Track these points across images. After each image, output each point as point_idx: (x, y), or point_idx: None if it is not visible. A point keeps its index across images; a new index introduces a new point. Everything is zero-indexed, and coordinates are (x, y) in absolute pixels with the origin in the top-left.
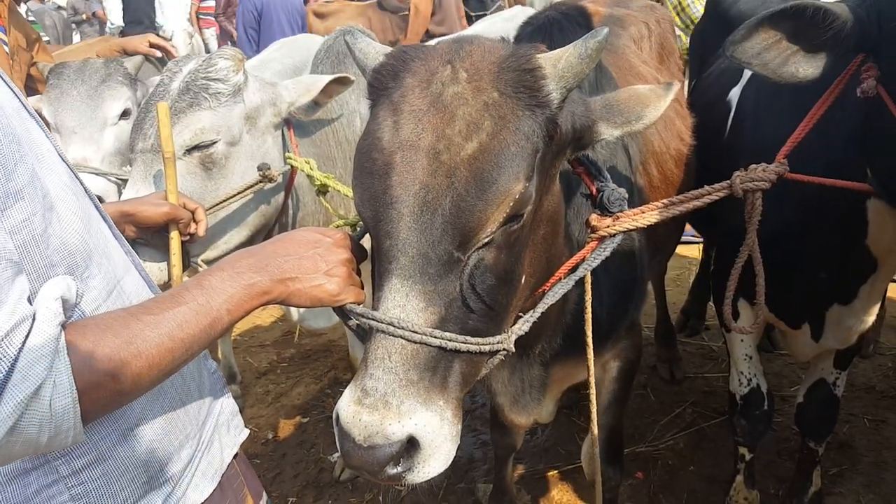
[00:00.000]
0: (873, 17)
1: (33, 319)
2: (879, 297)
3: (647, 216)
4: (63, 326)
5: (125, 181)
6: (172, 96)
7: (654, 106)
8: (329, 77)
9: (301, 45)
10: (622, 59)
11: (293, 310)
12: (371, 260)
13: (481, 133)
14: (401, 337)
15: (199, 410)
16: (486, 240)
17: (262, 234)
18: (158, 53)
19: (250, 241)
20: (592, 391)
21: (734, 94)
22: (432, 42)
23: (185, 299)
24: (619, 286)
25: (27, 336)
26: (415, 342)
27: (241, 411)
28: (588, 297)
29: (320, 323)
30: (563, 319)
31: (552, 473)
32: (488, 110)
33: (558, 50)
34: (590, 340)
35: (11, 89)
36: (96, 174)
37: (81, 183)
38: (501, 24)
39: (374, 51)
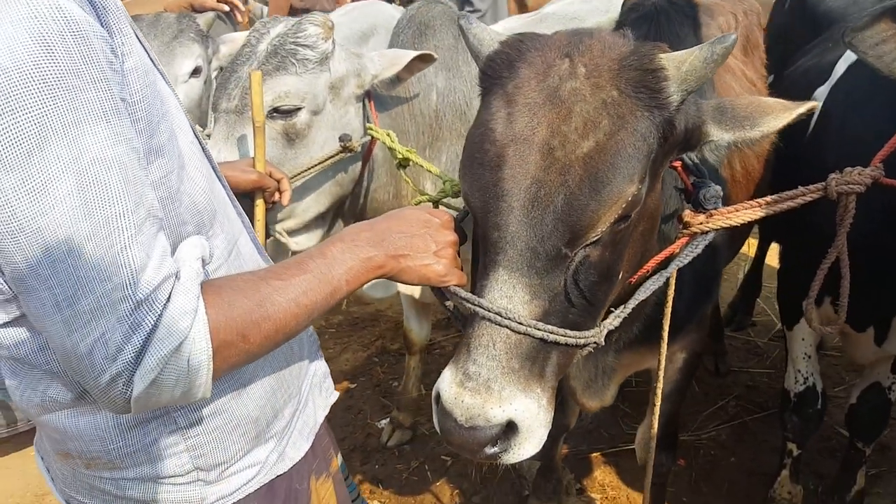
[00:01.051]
0: None
1: (177, 277)
2: None
3: (741, 215)
4: (201, 285)
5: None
6: (259, 58)
7: (777, 116)
8: (414, 53)
9: (370, 11)
10: None
11: None
12: (473, 245)
13: (598, 132)
14: (507, 327)
15: (301, 371)
16: (595, 238)
17: (338, 204)
18: (226, 8)
19: (327, 211)
20: (660, 384)
21: (820, 93)
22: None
23: (309, 267)
24: (700, 280)
25: (171, 293)
26: (519, 333)
27: None
28: (671, 292)
29: (378, 293)
30: (644, 310)
31: (595, 455)
32: (606, 109)
33: (683, 52)
34: (665, 334)
35: (143, 46)
36: None
37: (201, 142)
38: (579, 5)
39: (489, 37)
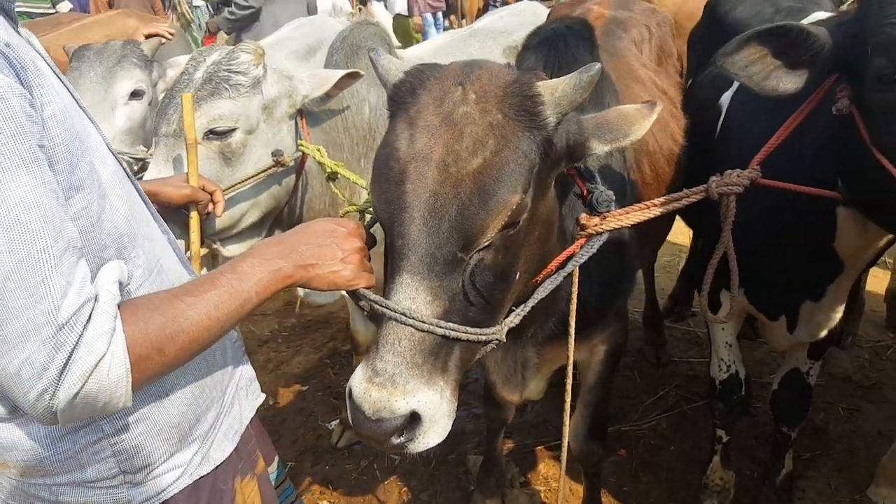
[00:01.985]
0: (848, 41)
1: (96, 300)
2: (845, 296)
3: (631, 216)
4: (118, 306)
5: (136, 160)
6: (196, 85)
7: (640, 125)
8: (342, 72)
9: (317, 26)
10: (623, 63)
11: None
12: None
13: (486, 150)
14: (411, 326)
15: (223, 376)
16: (486, 243)
17: (274, 214)
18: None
19: (263, 221)
20: (569, 379)
21: (725, 98)
22: None
23: (220, 283)
24: (609, 276)
25: (91, 315)
26: (422, 331)
27: None
28: (575, 290)
29: (323, 298)
30: (556, 306)
31: (540, 448)
32: (493, 130)
33: (557, 79)
34: (572, 330)
35: (66, 86)
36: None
37: (125, 168)
38: (508, 19)
39: (395, 67)
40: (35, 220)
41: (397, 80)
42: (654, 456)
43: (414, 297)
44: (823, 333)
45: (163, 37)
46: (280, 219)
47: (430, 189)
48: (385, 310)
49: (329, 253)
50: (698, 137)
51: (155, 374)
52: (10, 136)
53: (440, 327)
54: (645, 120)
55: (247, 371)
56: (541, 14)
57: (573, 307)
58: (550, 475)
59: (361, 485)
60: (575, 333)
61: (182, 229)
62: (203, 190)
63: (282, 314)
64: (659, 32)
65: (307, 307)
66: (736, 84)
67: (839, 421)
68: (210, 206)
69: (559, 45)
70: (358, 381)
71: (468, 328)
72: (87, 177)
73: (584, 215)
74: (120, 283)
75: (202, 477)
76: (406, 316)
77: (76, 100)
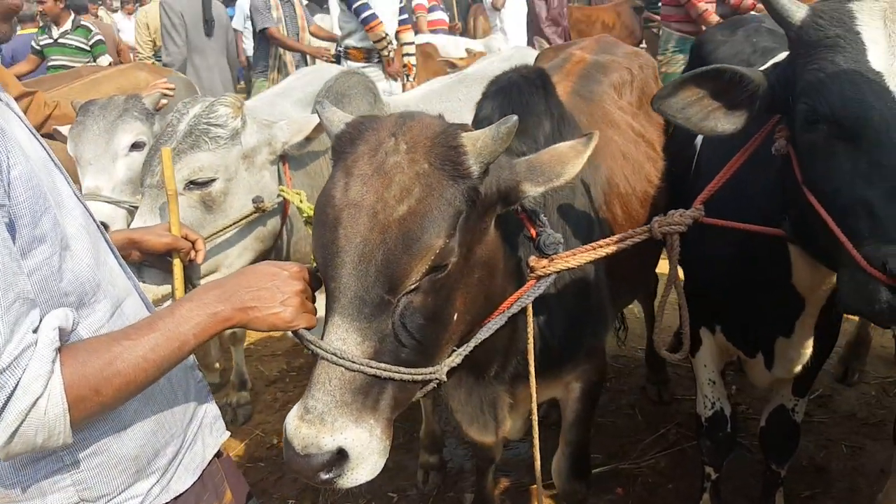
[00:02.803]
0: (782, 83)
1: (36, 345)
2: (811, 331)
3: (578, 258)
4: (59, 350)
5: (136, 208)
6: (178, 137)
7: (573, 164)
8: (318, 119)
9: (322, 75)
10: (597, 107)
11: None
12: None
13: (411, 198)
14: (342, 366)
15: (185, 413)
16: (413, 286)
17: (263, 257)
18: (171, 92)
19: (251, 263)
20: (535, 416)
21: (699, 140)
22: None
23: (158, 326)
24: (571, 315)
25: (30, 359)
26: (353, 370)
27: (250, 417)
28: (529, 329)
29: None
30: (517, 346)
31: (534, 487)
32: (419, 179)
33: (479, 131)
34: (532, 368)
35: (39, 141)
36: (107, 202)
37: (95, 221)
38: (499, 65)
39: (338, 119)
40: None
41: (339, 132)
42: (652, 494)
43: (344, 338)
44: (798, 369)
45: (163, 93)
46: (268, 259)
47: (360, 234)
48: (318, 350)
49: (269, 295)
50: (677, 178)
51: (94, 413)
52: None
53: (372, 367)
54: (578, 158)
55: (211, 409)
56: (530, 59)
57: (530, 346)
58: None
59: None
60: (544, 371)
61: (166, 275)
62: (186, 238)
63: (290, 354)
64: (641, 75)
65: None
66: None
67: (841, 459)
68: (192, 254)
69: (513, 93)
70: (291, 419)
71: (401, 368)
72: (49, 231)
73: (532, 258)
74: (62, 329)
75: None
76: (336, 356)
77: (50, 157)
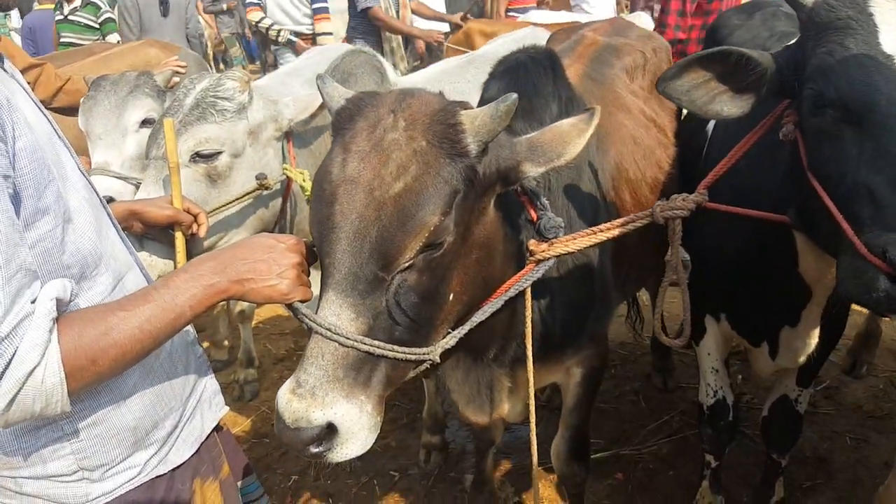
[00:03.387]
0: (791, 67)
1: (34, 315)
2: (818, 321)
3: (578, 242)
4: (56, 320)
5: None
6: (184, 111)
7: (575, 143)
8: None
9: (328, 56)
10: (608, 90)
11: None
12: None
13: (407, 175)
14: (336, 341)
15: (184, 387)
16: (407, 264)
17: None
18: (182, 70)
19: None
20: (532, 400)
21: (710, 126)
22: None
23: (153, 298)
24: (574, 301)
25: (28, 329)
26: (346, 346)
27: (257, 394)
28: (528, 313)
29: None
30: (516, 329)
31: (538, 469)
32: (416, 156)
33: (479, 109)
34: (529, 353)
35: (44, 114)
36: (117, 177)
37: (98, 196)
38: (510, 45)
39: (338, 94)
40: None
41: (339, 107)
42: (653, 480)
43: (338, 314)
44: (802, 360)
45: (175, 71)
46: None
47: (356, 211)
48: (312, 324)
49: (265, 268)
50: (688, 164)
51: (91, 382)
52: None
53: (365, 344)
54: (580, 137)
55: (211, 384)
56: (542, 40)
57: (528, 330)
58: (546, 496)
59: (361, 500)
60: (545, 356)
61: (169, 248)
62: (188, 212)
63: (298, 333)
64: (654, 59)
65: None
66: None
67: (845, 451)
68: (195, 227)
69: (520, 74)
70: (282, 392)
71: (395, 347)
72: (53, 203)
73: (532, 241)
74: (59, 300)
75: (159, 476)
76: (331, 332)
77: (55, 131)
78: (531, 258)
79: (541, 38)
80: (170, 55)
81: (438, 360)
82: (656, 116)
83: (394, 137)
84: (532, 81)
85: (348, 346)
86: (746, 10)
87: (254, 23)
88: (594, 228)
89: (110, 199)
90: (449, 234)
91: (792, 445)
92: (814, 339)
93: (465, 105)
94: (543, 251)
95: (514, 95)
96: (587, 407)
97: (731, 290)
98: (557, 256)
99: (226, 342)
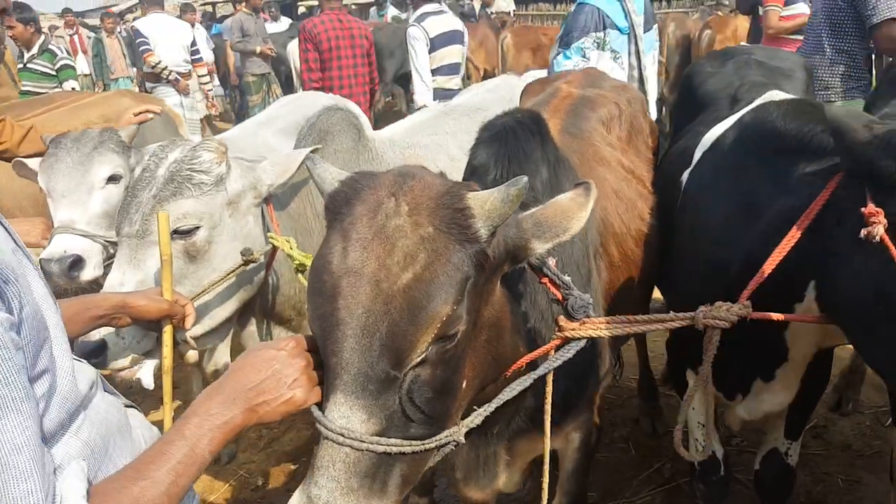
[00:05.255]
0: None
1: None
2: (795, 383)
3: (611, 328)
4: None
5: (111, 242)
6: (158, 184)
7: (578, 217)
8: (302, 155)
9: (302, 104)
10: (587, 145)
11: None
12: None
13: (416, 264)
14: (348, 446)
15: None
16: (419, 359)
17: (247, 306)
18: (150, 117)
19: (235, 314)
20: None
21: (685, 176)
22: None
23: (171, 454)
24: (577, 367)
25: None
26: (360, 450)
27: (234, 456)
28: (549, 390)
29: None
30: (522, 402)
31: None
32: (424, 244)
33: (486, 192)
34: (548, 429)
35: (5, 228)
36: (83, 235)
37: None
38: (484, 95)
39: (331, 176)
40: (25, 462)
41: (333, 190)
42: None
43: (349, 416)
44: (761, 416)
45: (151, 111)
46: (252, 307)
47: (362, 305)
48: (322, 428)
49: (273, 384)
50: (665, 216)
51: None
52: (3, 382)
53: (381, 445)
54: (582, 211)
55: None
56: (516, 89)
57: (547, 406)
58: None
59: None
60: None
61: (144, 332)
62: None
63: None
64: (629, 109)
65: None
66: (694, 162)
67: (838, 493)
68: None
69: (509, 139)
70: None
71: (413, 442)
72: (48, 361)
73: (562, 318)
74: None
75: None
76: (343, 436)
77: (13, 238)
78: (559, 333)
79: (514, 86)
80: (142, 105)
81: (463, 441)
82: (634, 168)
83: (397, 223)
84: (521, 147)
85: (362, 450)
86: (720, 58)
87: (152, 65)
88: (630, 318)
89: (79, 259)
90: (462, 323)
91: (787, 497)
92: (783, 398)
93: (469, 187)
94: (574, 329)
95: (525, 179)
96: (586, 471)
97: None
98: (587, 338)
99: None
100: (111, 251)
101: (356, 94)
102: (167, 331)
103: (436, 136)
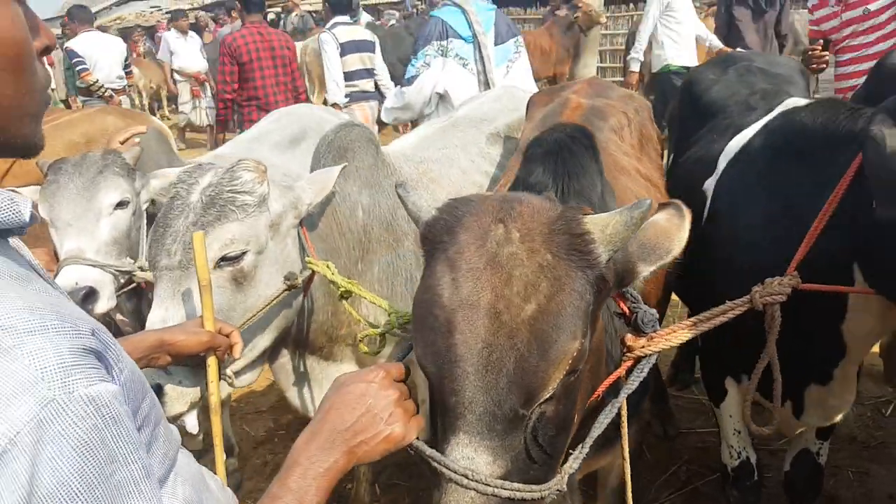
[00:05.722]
0: None
1: None
2: (854, 378)
3: (679, 335)
4: None
5: (123, 272)
6: (195, 210)
7: (678, 238)
8: (336, 172)
9: (297, 116)
10: (606, 155)
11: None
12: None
13: (539, 295)
14: (474, 489)
15: None
16: (548, 395)
17: (286, 334)
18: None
19: (274, 344)
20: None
21: (709, 184)
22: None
23: None
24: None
25: None
26: (487, 494)
27: (240, 485)
28: (625, 416)
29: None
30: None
31: None
32: (544, 272)
33: (605, 216)
34: (626, 455)
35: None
36: (93, 265)
37: None
38: (490, 105)
39: (427, 204)
40: None
41: (430, 218)
42: None
43: (473, 458)
44: (838, 417)
45: (137, 133)
46: (287, 337)
47: (483, 339)
48: (445, 469)
49: (369, 421)
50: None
51: None
52: (123, 463)
53: (506, 489)
54: (681, 232)
55: None
56: (520, 99)
57: (624, 431)
58: None
59: None
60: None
61: (196, 372)
62: (220, 332)
63: (277, 410)
64: (638, 118)
65: None
66: (718, 171)
67: (849, 486)
68: (229, 350)
69: (565, 155)
70: None
71: (532, 486)
72: (144, 416)
73: (629, 336)
74: None
75: None
76: (468, 478)
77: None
78: (629, 354)
79: (518, 96)
80: (129, 123)
81: (566, 489)
82: (650, 175)
83: (511, 251)
84: (578, 162)
85: (488, 494)
86: (719, 65)
87: (90, 83)
88: (693, 320)
89: (92, 291)
90: (586, 353)
91: (817, 497)
92: (851, 394)
93: (582, 210)
94: (643, 347)
95: (648, 201)
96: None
97: (756, 351)
98: (658, 352)
99: (200, 437)
100: (121, 281)
101: (279, 101)
102: (212, 364)
103: (445, 149)
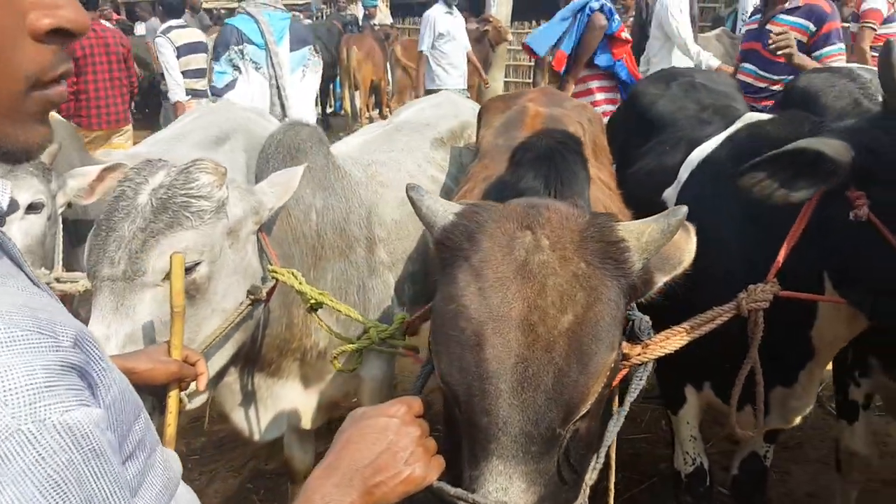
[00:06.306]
0: (870, 154)
1: None
2: (817, 381)
3: (673, 342)
4: None
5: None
6: (145, 214)
7: (688, 250)
8: (299, 174)
9: (222, 116)
10: None
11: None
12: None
13: (576, 305)
14: None
15: None
16: (586, 410)
17: (243, 349)
18: None
19: (233, 360)
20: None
21: (668, 194)
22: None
23: None
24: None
25: None
26: None
27: None
28: (619, 422)
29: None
30: None
31: None
32: (579, 281)
33: (639, 223)
34: (612, 460)
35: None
36: None
37: None
38: (430, 111)
39: (443, 208)
40: None
41: (448, 223)
42: None
43: (507, 488)
44: (798, 419)
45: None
46: (241, 352)
47: (518, 354)
48: None
49: (389, 459)
50: None
51: None
52: (103, 499)
53: None
54: (690, 244)
55: None
56: (460, 105)
57: (611, 443)
58: None
59: None
60: None
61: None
62: (186, 360)
63: (188, 433)
64: (591, 128)
65: (218, 422)
66: (681, 180)
67: (773, 486)
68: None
69: (556, 160)
70: None
71: None
72: (134, 444)
73: (626, 344)
74: None
75: None
76: None
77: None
78: (626, 362)
79: (458, 102)
80: None
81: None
82: (609, 183)
83: (542, 259)
84: (570, 167)
85: None
86: (662, 79)
87: None
88: (684, 326)
89: None
90: (619, 364)
91: (762, 499)
92: (812, 396)
93: (613, 217)
94: (639, 354)
95: (685, 209)
96: None
97: (721, 360)
98: (653, 359)
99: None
100: None
101: (113, 96)
102: (173, 396)
103: (392, 152)
